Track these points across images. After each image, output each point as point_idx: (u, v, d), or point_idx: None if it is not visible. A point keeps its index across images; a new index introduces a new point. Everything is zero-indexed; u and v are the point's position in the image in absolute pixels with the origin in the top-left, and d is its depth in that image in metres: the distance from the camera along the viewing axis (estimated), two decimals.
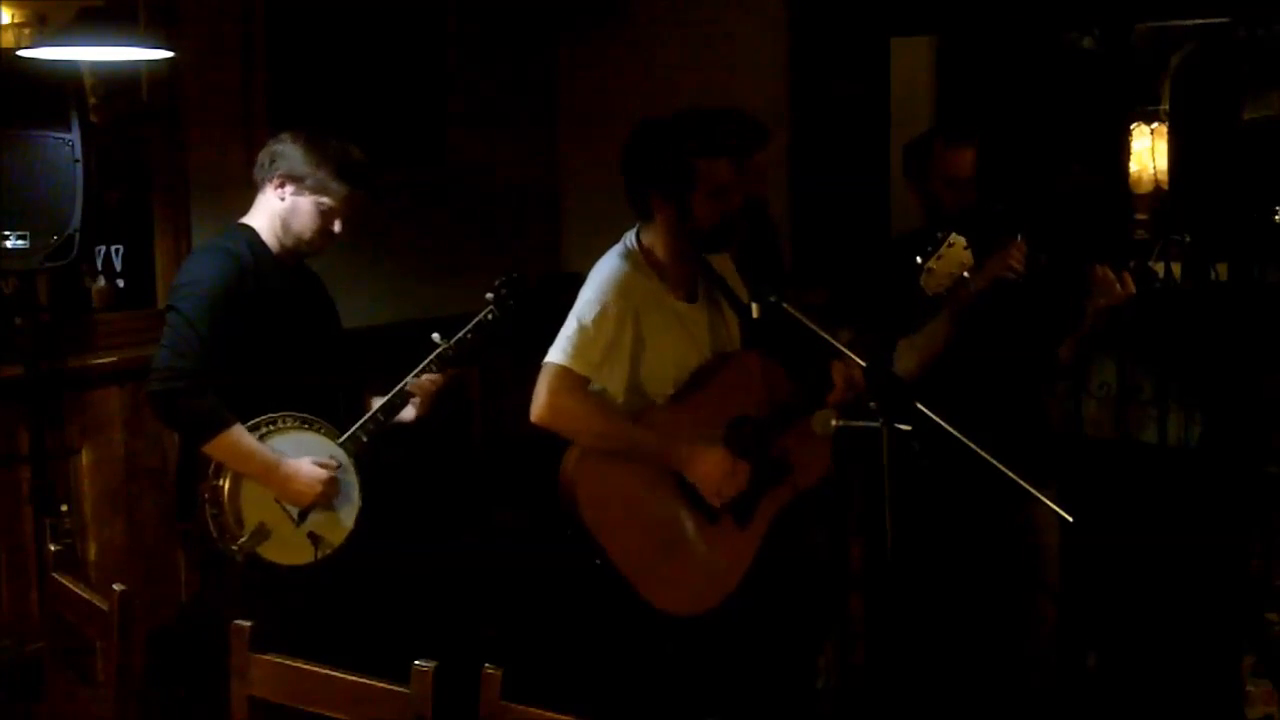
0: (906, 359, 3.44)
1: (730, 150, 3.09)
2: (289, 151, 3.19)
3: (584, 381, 2.96)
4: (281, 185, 3.20)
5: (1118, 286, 3.39)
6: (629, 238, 3.14)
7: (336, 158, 3.18)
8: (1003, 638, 3.70)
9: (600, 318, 2.97)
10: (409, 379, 3.32)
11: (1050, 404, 3.98)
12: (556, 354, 2.95)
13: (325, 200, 3.18)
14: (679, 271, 3.14)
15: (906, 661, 3.66)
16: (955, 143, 3.64)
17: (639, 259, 3.10)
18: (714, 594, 3.04)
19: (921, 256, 3.02)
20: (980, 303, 3.38)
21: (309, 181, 3.17)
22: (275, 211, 3.22)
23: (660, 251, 3.11)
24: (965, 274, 3.06)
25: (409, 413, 3.34)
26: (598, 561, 2.93)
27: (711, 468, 3.02)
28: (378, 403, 3.34)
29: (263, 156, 3.24)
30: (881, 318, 3.48)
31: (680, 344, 3.11)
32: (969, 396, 3.19)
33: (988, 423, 2.85)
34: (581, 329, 2.96)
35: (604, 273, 3.06)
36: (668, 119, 3.15)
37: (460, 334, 3.38)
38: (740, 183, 3.13)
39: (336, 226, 3.22)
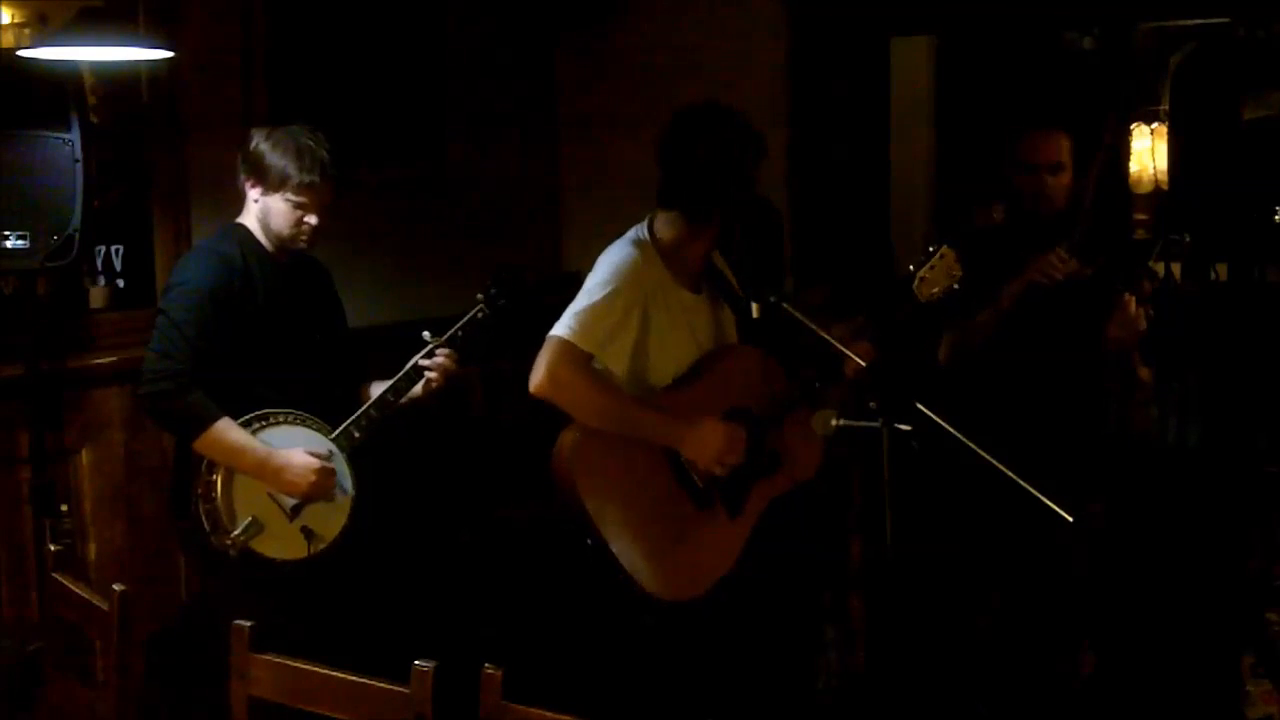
0: (944, 348, 3.50)
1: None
2: (253, 151, 3.21)
3: (586, 357, 2.96)
4: (253, 186, 3.23)
5: (1131, 318, 3.42)
6: (641, 228, 3.15)
7: (294, 151, 3.18)
8: (1003, 637, 3.71)
9: (609, 298, 2.98)
10: (398, 377, 3.33)
11: (1116, 414, 3.97)
12: (561, 328, 2.96)
13: (290, 195, 3.19)
14: (688, 265, 3.16)
15: (907, 661, 3.66)
16: (1031, 127, 3.64)
17: (650, 249, 3.11)
18: (701, 581, 3.05)
19: (914, 265, 3.06)
20: (1026, 303, 3.41)
21: (272, 178, 3.19)
22: (255, 212, 3.25)
23: (674, 243, 3.13)
24: (955, 285, 3.09)
25: (418, 389, 3.35)
26: (589, 542, 2.94)
27: (710, 438, 3.02)
28: (378, 390, 3.35)
29: (239, 156, 3.26)
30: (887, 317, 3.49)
31: (683, 335, 3.12)
32: (1013, 403, 3.22)
33: (1038, 429, 2.86)
34: (589, 306, 2.97)
35: (616, 257, 3.07)
36: (720, 119, 3.11)
37: (450, 331, 3.39)
38: None
39: (311, 219, 3.22)
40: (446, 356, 3.35)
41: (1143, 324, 3.43)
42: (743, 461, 3.08)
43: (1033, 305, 3.47)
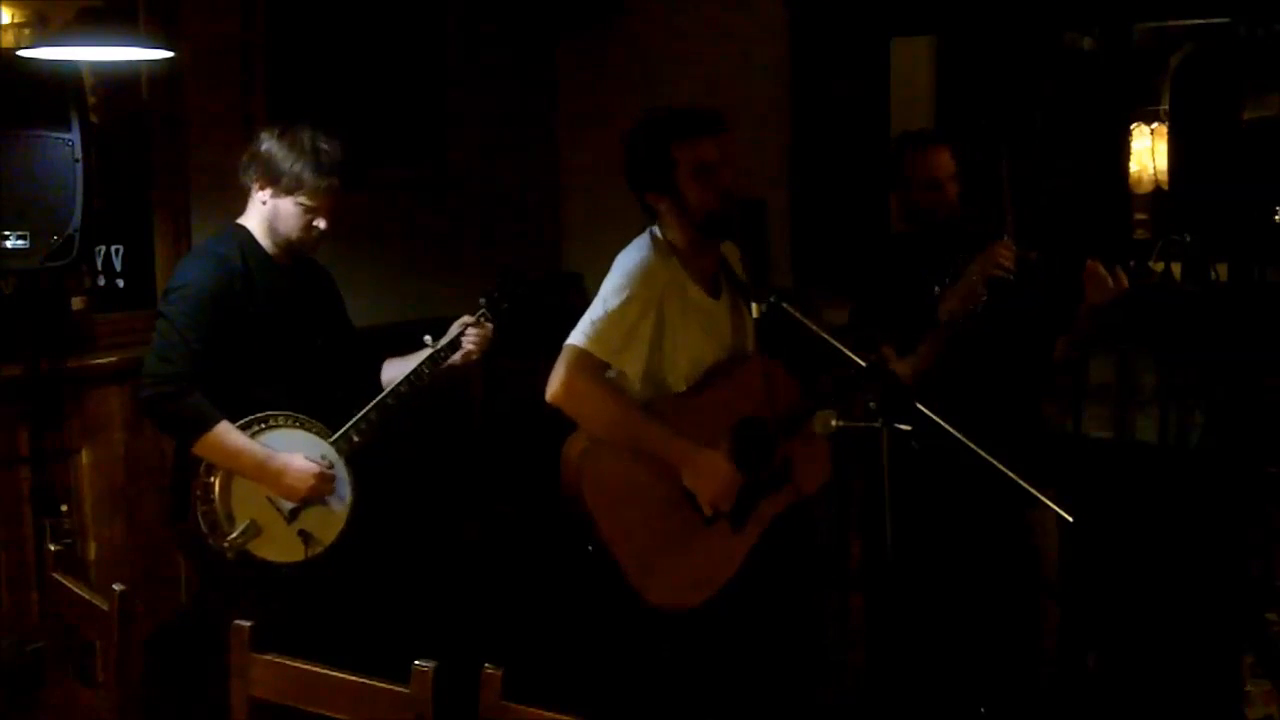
0: (900, 369, 3.44)
1: (700, 130, 3.07)
2: (264, 152, 3.19)
3: (602, 366, 2.97)
4: (262, 188, 3.22)
5: (1110, 282, 3.38)
6: (654, 229, 3.15)
7: (309, 153, 3.17)
8: (1003, 638, 3.70)
9: (624, 303, 2.99)
10: (399, 381, 3.33)
11: (1045, 405, 3.99)
12: (578, 336, 2.97)
13: (304, 198, 3.18)
14: (700, 264, 3.15)
15: (907, 661, 3.66)
16: (925, 144, 3.65)
17: (664, 247, 3.11)
18: (699, 592, 3.05)
19: (939, 286, 3.05)
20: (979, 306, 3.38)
21: (284, 181, 3.17)
22: (262, 214, 3.23)
23: (678, 244, 3.13)
24: (978, 307, 3.08)
25: (456, 358, 3.38)
26: (590, 548, 2.94)
27: (709, 476, 3.02)
28: (391, 369, 3.35)
29: (244, 158, 3.24)
30: (884, 319, 3.48)
31: (700, 337, 3.12)
32: (967, 398, 3.19)
33: (986, 424, 2.85)
34: (605, 314, 2.98)
35: (630, 260, 3.08)
36: (641, 122, 3.15)
37: (451, 336, 3.39)
38: (723, 161, 3.10)
39: (320, 222, 3.22)
40: (481, 333, 3.37)
41: (1125, 282, 3.40)
42: (730, 509, 3.07)
43: (988, 300, 3.43)
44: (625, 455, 2.99)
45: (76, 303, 4.07)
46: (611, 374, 3.01)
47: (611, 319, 2.97)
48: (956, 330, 3.38)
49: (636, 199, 3.14)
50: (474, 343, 3.37)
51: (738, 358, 3.19)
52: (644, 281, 3.02)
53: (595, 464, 2.97)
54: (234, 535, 3.10)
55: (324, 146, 3.19)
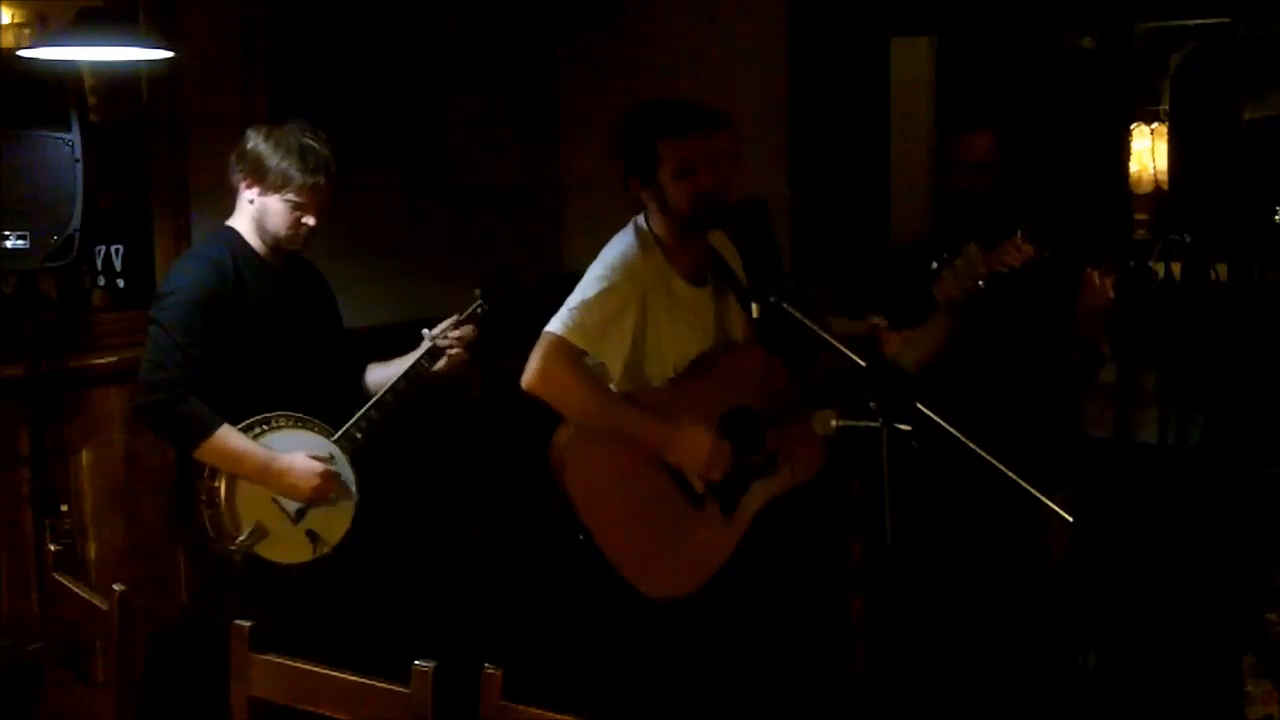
0: (906, 356, 3.44)
1: (688, 129, 3.07)
2: (251, 150, 3.17)
3: (579, 354, 2.96)
4: (249, 186, 3.20)
5: (1099, 293, 3.40)
6: (639, 219, 3.15)
7: (296, 150, 3.15)
8: (1003, 637, 3.70)
9: (605, 293, 2.98)
10: (398, 378, 3.32)
11: (1082, 407, 3.97)
12: (555, 324, 2.96)
13: (290, 195, 3.16)
14: (684, 255, 3.14)
15: (906, 662, 3.66)
16: (968, 128, 3.66)
17: (648, 239, 3.11)
18: (690, 580, 3.05)
19: (937, 262, 3.03)
20: (982, 299, 3.38)
21: (271, 178, 3.15)
22: (250, 213, 3.22)
23: (662, 234, 3.12)
24: (980, 284, 3.06)
25: (441, 364, 3.35)
26: (581, 538, 2.94)
27: (694, 448, 3.01)
28: (376, 373, 3.33)
29: (232, 157, 3.23)
30: (894, 317, 3.48)
31: (684, 328, 3.11)
32: (976, 397, 3.20)
33: (996, 424, 2.85)
34: (584, 302, 2.97)
35: (614, 251, 3.07)
36: (637, 110, 3.16)
37: (450, 320, 3.38)
38: (709, 162, 3.09)
39: (309, 220, 3.20)
40: (465, 330, 3.35)
41: (1110, 293, 3.42)
42: (728, 475, 3.06)
43: (995, 297, 3.44)
44: (609, 444, 2.99)
45: (97, 297, 4.08)
46: (591, 361, 3.00)
47: (590, 307, 2.96)
48: (957, 315, 3.38)
49: (625, 187, 3.14)
50: (457, 345, 3.35)
51: (725, 348, 3.19)
52: (626, 273, 3.01)
53: (580, 452, 2.97)
54: (240, 538, 3.09)
55: (311, 143, 3.17)
